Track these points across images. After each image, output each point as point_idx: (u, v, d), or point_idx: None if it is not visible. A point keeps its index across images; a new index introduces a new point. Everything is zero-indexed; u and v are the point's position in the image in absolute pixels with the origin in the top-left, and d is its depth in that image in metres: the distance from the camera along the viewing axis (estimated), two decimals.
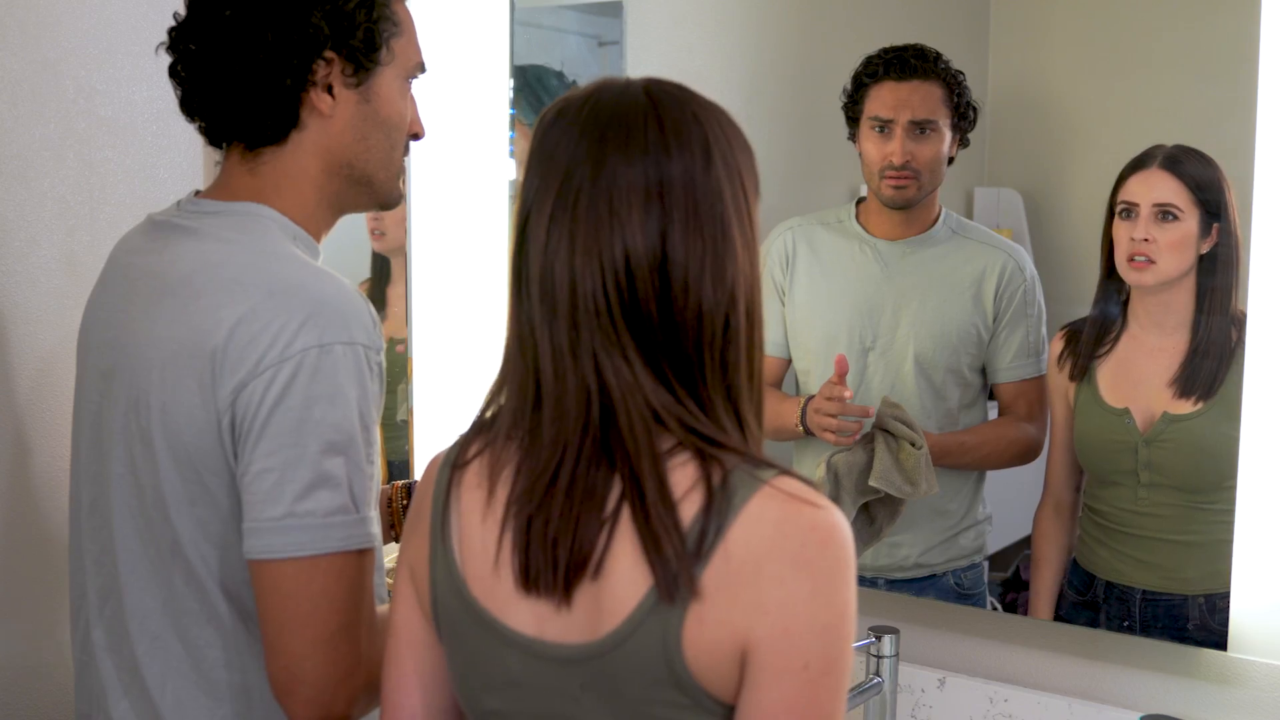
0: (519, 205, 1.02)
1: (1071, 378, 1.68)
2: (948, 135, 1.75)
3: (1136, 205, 1.59)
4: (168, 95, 2.00)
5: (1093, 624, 1.66)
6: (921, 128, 1.74)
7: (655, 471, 0.96)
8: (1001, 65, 1.76)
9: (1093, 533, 1.68)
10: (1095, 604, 1.67)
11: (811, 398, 1.81)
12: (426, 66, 1.41)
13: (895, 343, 1.79)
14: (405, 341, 2.18)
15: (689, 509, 0.96)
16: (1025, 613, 1.74)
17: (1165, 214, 1.57)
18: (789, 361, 1.88)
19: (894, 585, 1.81)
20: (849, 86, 1.78)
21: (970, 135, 1.74)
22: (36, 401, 1.83)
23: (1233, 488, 1.54)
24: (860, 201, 1.85)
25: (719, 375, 0.99)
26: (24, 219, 1.82)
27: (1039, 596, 1.72)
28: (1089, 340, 1.67)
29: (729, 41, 1.99)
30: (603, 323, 0.97)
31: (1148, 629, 1.61)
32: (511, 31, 2.09)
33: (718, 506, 0.95)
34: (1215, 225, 1.56)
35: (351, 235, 2.17)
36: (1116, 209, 1.61)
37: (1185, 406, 1.59)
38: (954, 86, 1.73)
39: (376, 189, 1.38)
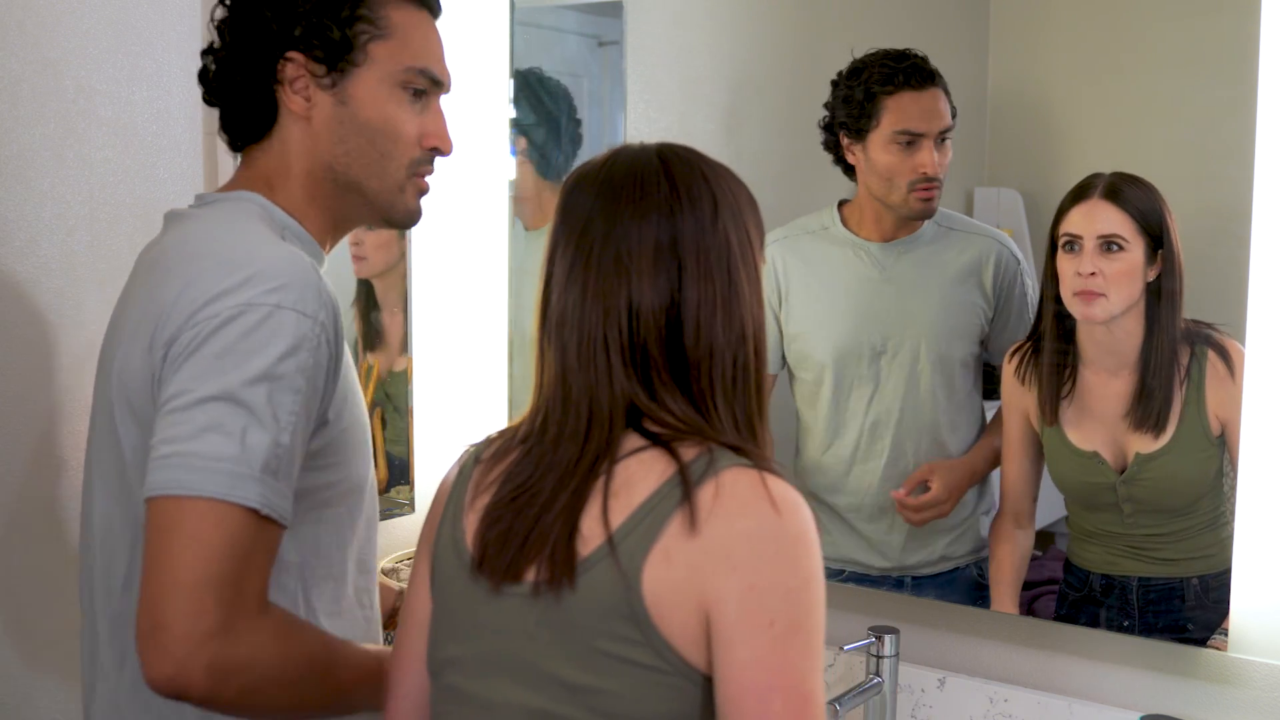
0: (546, 255, 1.14)
1: (1047, 423, 1.67)
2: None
3: (1080, 238, 1.58)
4: (168, 95, 2.00)
5: (1093, 618, 1.66)
6: (944, 136, 1.74)
7: (608, 452, 1.07)
8: (1001, 65, 1.76)
9: (1081, 538, 1.69)
10: (1093, 597, 1.67)
11: None
12: (438, 79, 1.38)
13: (905, 344, 1.79)
14: (405, 371, 2.18)
15: (662, 473, 1.05)
16: (1028, 612, 1.74)
17: (1110, 244, 1.57)
18: (776, 377, 1.88)
19: (919, 582, 1.81)
20: (857, 96, 1.76)
21: (970, 135, 1.74)
22: (37, 401, 1.83)
23: (1218, 490, 1.55)
24: (843, 204, 1.84)
25: (730, 399, 1.10)
26: (24, 219, 1.82)
27: (1000, 588, 1.73)
28: (1049, 385, 1.66)
29: (729, 42, 1.99)
30: (601, 360, 1.09)
31: (1145, 614, 1.61)
32: (511, 32, 2.09)
33: (699, 462, 1.05)
34: (1159, 253, 1.55)
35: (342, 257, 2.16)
36: (1059, 241, 1.60)
37: (1151, 442, 1.59)
38: (945, 89, 1.74)
39: (371, 199, 1.37)
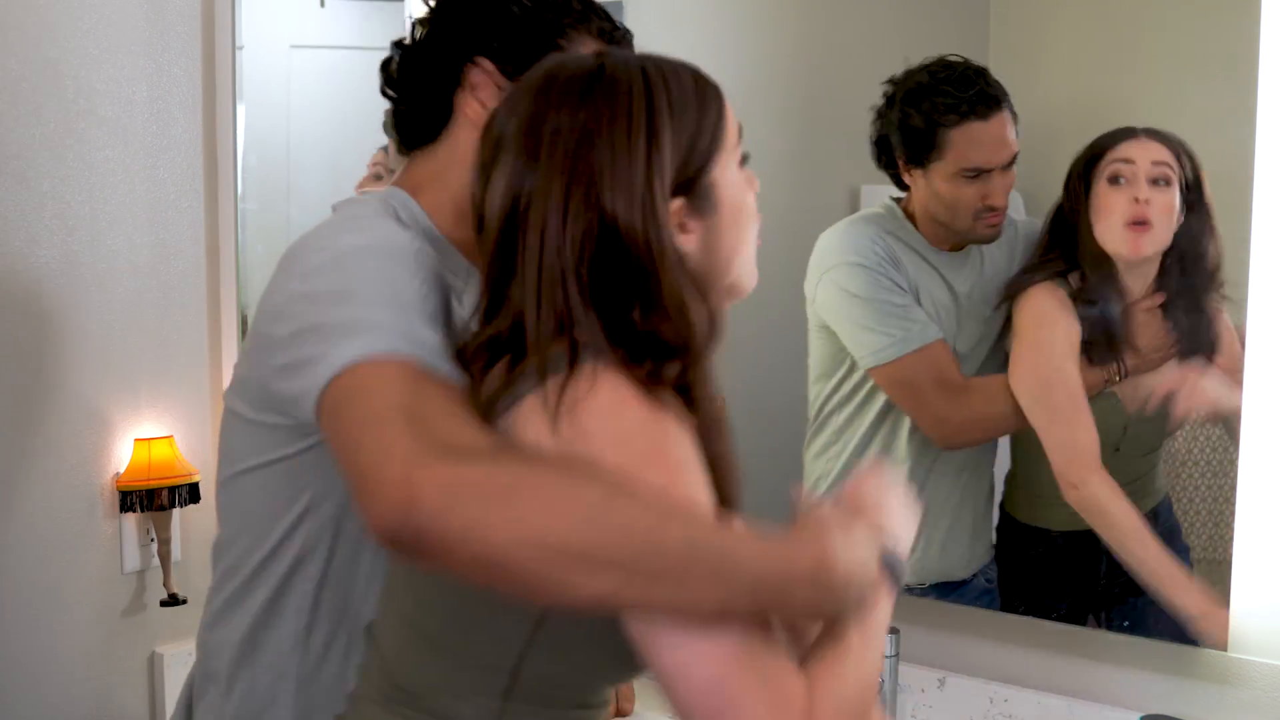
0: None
1: (1120, 377, 1.63)
2: None
3: (1133, 164, 1.56)
4: (168, 95, 2.00)
5: (1061, 575, 1.66)
6: (1010, 164, 1.65)
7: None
8: (1001, 65, 1.76)
9: (1048, 499, 1.66)
10: (1059, 554, 1.68)
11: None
12: None
13: (974, 352, 1.73)
14: None
15: None
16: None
17: (1159, 179, 1.56)
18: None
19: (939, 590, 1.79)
20: (917, 125, 1.65)
21: None
22: (37, 400, 1.84)
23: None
24: (899, 201, 1.75)
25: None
26: (24, 219, 1.82)
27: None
28: (1103, 350, 1.61)
29: (729, 41, 1.99)
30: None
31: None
32: None
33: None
34: (1189, 203, 1.55)
35: None
36: (1104, 177, 1.57)
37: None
38: (1011, 108, 1.64)
39: None
